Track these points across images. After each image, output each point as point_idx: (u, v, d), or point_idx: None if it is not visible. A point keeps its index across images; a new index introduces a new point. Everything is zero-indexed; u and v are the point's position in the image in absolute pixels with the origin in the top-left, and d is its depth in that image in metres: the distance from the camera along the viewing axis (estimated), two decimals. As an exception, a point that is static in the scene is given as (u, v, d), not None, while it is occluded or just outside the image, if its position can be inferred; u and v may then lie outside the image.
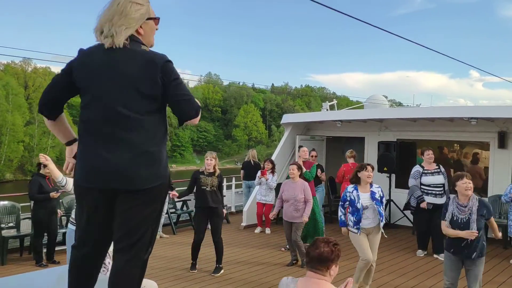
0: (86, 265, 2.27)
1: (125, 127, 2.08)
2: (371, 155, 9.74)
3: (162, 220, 8.76)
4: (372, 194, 5.37)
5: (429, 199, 7.12)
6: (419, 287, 5.78)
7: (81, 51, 2.20)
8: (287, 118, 10.77)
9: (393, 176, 9.23)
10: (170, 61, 2.16)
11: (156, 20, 2.27)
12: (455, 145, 9.47)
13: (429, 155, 7.23)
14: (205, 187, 6.45)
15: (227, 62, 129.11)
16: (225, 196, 10.38)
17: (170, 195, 7.29)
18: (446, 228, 4.53)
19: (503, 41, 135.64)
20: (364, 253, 5.31)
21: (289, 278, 2.68)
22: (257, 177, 9.30)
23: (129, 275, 2.15)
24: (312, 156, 8.92)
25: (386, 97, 13.35)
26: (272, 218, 7.77)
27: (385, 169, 9.04)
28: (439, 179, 7.14)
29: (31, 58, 60.91)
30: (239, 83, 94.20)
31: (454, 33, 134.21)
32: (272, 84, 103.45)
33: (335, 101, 11.66)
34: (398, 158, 8.91)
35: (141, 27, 2.19)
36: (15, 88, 56.86)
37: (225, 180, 10.88)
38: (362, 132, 10.13)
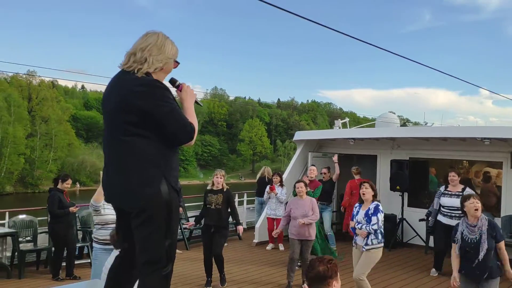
0: (119, 273, 2.60)
1: (119, 150, 2.37)
2: (383, 173, 9.98)
3: None
4: (367, 211, 5.62)
5: (444, 220, 7.31)
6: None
7: None
8: (299, 135, 11.05)
9: (406, 194, 9.44)
10: (163, 88, 2.38)
11: (176, 63, 2.55)
12: (464, 162, 9.66)
13: (450, 176, 7.37)
14: (209, 205, 6.66)
15: (235, 78, 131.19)
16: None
17: (187, 225, 7.58)
18: (453, 256, 4.70)
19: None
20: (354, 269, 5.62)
21: None
22: (265, 192, 9.51)
23: (145, 286, 2.38)
24: (324, 173, 9.16)
25: (393, 112, 13.64)
26: (275, 236, 7.74)
27: (398, 187, 9.25)
28: (457, 202, 7.29)
29: (35, 71, 61.31)
30: (245, 97, 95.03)
31: (464, 50, 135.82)
32: (278, 99, 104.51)
33: (347, 119, 11.96)
34: (411, 177, 9.11)
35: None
36: (17, 100, 57.53)
37: (236, 196, 11.17)
38: (374, 150, 10.38)
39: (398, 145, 10.01)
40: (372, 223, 5.49)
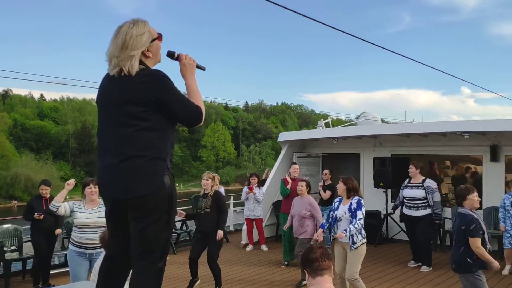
0: (110, 273, 2.81)
1: (122, 142, 2.54)
2: (367, 170, 11.03)
3: None
4: (350, 205, 5.96)
5: (405, 210, 8.46)
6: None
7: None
8: (283, 136, 11.98)
9: (389, 191, 10.50)
10: (165, 76, 2.59)
11: (159, 38, 2.72)
12: (446, 161, 10.81)
13: (408, 168, 8.53)
14: (200, 210, 6.96)
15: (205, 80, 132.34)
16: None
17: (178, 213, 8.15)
18: (482, 249, 4.85)
19: (494, 58, 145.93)
20: (335, 265, 6.05)
21: None
22: (244, 192, 10.34)
23: (142, 282, 2.56)
24: (325, 174, 10.09)
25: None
26: (286, 229, 8.29)
27: (381, 184, 10.28)
28: (417, 193, 8.30)
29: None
30: (210, 101, 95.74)
31: (445, 51, 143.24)
32: (246, 102, 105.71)
33: (329, 119, 12.98)
34: (393, 173, 10.09)
35: (148, 50, 2.64)
36: None
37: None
38: (357, 149, 11.42)
39: (380, 143, 11.07)
40: (358, 217, 5.81)
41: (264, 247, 10.12)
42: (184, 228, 10.71)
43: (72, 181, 6.15)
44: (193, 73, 2.77)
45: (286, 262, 8.59)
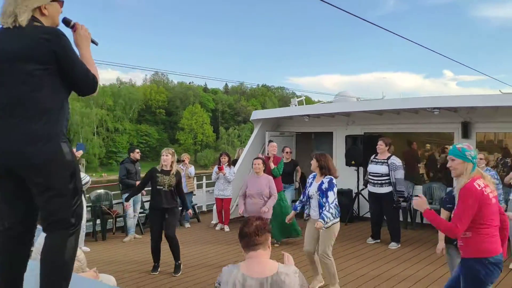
0: (11, 249, 2.59)
1: (16, 103, 2.36)
2: (339, 149, 11.02)
3: (134, 222, 9.63)
4: (320, 184, 5.85)
5: (370, 187, 8.53)
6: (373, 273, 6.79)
7: None
8: (256, 115, 11.90)
9: (361, 169, 10.49)
10: (63, 35, 2.45)
11: (60, 3, 2.63)
12: (427, 145, 10.91)
13: (378, 145, 8.48)
14: (161, 187, 6.75)
15: (182, 61, 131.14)
16: (195, 195, 11.33)
17: (125, 206, 8.10)
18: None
19: (475, 41, 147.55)
20: (304, 242, 6.09)
21: (230, 265, 2.92)
22: (214, 172, 10.28)
23: (55, 253, 2.45)
24: (286, 152, 10.04)
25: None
26: (242, 214, 8.32)
27: (353, 162, 10.31)
28: (380, 169, 8.32)
29: None
30: (189, 82, 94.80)
31: (428, 34, 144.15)
32: (226, 84, 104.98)
33: (303, 97, 12.92)
34: (365, 151, 10.06)
35: (45, 8, 2.51)
36: None
37: (195, 179, 11.81)
38: (330, 127, 11.42)
39: (353, 121, 11.06)
40: (330, 200, 5.68)
41: (226, 228, 10.07)
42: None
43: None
44: (88, 44, 2.67)
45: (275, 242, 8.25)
